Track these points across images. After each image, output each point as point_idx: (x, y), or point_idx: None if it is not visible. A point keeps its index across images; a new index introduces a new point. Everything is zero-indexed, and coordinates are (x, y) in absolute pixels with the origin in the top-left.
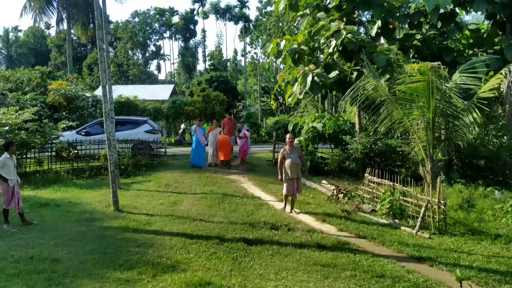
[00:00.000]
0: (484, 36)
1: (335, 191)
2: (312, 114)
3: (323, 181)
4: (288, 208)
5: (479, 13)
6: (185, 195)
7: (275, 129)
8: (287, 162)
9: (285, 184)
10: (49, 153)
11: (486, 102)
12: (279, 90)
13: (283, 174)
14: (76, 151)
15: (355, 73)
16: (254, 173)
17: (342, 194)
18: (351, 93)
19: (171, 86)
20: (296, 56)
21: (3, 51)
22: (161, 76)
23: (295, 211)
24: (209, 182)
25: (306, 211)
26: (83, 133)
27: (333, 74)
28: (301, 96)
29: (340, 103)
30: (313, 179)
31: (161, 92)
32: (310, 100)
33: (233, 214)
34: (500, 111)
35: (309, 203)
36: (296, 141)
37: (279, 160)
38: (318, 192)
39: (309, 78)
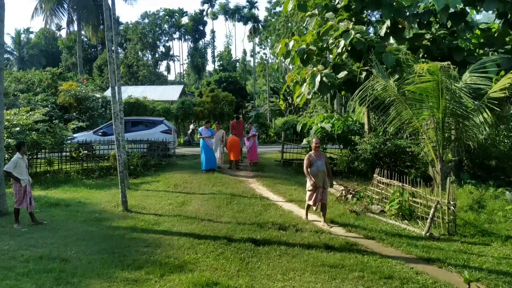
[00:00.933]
0: (495, 35)
1: (343, 192)
2: (321, 115)
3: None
4: (310, 217)
5: (489, 12)
6: (194, 196)
7: (284, 130)
8: (313, 170)
9: (308, 193)
10: (59, 154)
11: (497, 102)
12: (287, 90)
13: (309, 182)
14: (93, 151)
15: (364, 73)
16: (262, 174)
17: (351, 195)
18: (360, 93)
19: (180, 87)
20: (305, 56)
21: (15, 52)
22: (171, 77)
23: (328, 225)
24: (217, 182)
25: (315, 211)
26: (100, 133)
27: (342, 74)
28: (310, 97)
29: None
30: None
31: (170, 93)
32: (319, 100)
33: (241, 215)
34: (511, 111)
35: None
36: (304, 141)
37: (305, 165)
38: (327, 193)
39: (318, 79)
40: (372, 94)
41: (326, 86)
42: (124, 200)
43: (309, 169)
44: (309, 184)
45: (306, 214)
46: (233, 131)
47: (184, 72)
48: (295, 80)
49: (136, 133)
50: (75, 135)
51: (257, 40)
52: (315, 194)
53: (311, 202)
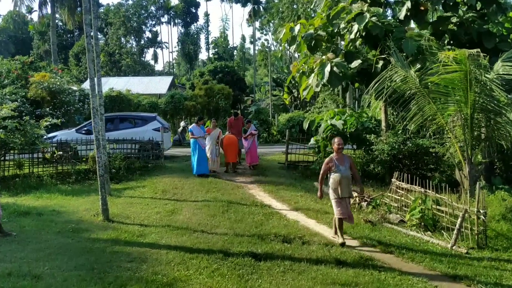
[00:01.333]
0: None
1: (357, 199)
2: (331, 110)
3: None
4: (341, 237)
5: None
6: (185, 203)
7: (289, 127)
8: (335, 176)
9: (334, 205)
10: (30, 155)
11: None
12: (293, 82)
13: (332, 192)
14: (74, 153)
15: (380, 62)
16: (263, 178)
17: (366, 202)
18: (376, 85)
19: (169, 78)
20: (313, 43)
21: None
22: (158, 67)
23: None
24: (212, 188)
25: (325, 221)
26: (83, 132)
27: (355, 63)
28: (318, 89)
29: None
30: None
31: (158, 85)
32: (328, 93)
33: (239, 225)
34: None
35: (327, 213)
36: (312, 140)
37: (321, 172)
38: None
39: (328, 68)
40: (390, 87)
41: (337, 77)
42: (105, 208)
43: (330, 175)
44: (332, 193)
45: (336, 233)
46: (231, 129)
47: (174, 61)
48: (301, 71)
49: (126, 131)
50: (55, 133)
51: (257, 24)
52: (343, 205)
53: (341, 216)
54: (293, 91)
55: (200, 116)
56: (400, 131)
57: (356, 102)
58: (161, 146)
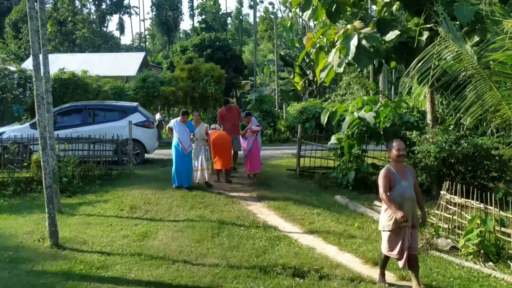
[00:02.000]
0: None
1: None
2: (359, 98)
3: (376, 202)
4: (389, 278)
5: None
6: (161, 224)
7: (301, 122)
8: (394, 195)
9: (385, 235)
10: None
11: None
12: (307, 60)
13: (386, 218)
14: (25, 155)
15: (425, 34)
16: (267, 190)
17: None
18: (420, 64)
19: (140, 56)
20: (334, 7)
21: None
22: (126, 40)
23: None
24: (198, 203)
25: (350, 248)
26: None
27: (391, 35)
28: (341, 70)
29: (402, 81)
30: (361, 199)
31: (124, 65)
32: (355, 76)
33: (234, 253)
34: None
35: (353, 237)
36: (333, 139)
37: (381, 188)
38: (368, 219)
39: (354, 42)
40: (438, 66)
41: (366, 53)
42: (54, 231)
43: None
44: (386, 219)
45: (381, 275)
46: (223, 124)
47: (147, 32)
48: (318, 45)
49: (98, 127)
50: (1, 129)
51: None
52: (399, 238)
53: (393, 254)
54: (308, 72)
55: (185, 110)
56: (452, 126)
57: (392, 87)
58: (128, 146)
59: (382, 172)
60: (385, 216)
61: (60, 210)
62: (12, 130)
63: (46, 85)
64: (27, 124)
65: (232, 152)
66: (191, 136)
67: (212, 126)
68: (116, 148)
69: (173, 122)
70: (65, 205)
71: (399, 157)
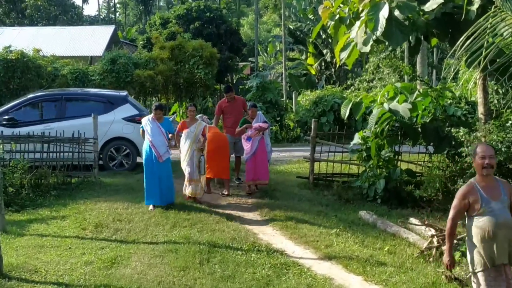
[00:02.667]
0: None
1: (435, 240)
2: (390, 85)
3: (412, 220)
4: None
5: None
6: (135, 247)
7: (316, 116)
8: (483, 223)
9: (482, 280)
10: None
11: None
12: (323, 36)
13: (475, 255)
14: None
15: (476, 3)
16: (272, 203)
17: None
18: (469, 42)
19: (108, 30)
20: None
21: None
22: (90, 10)
23: None
24: (182, 220)
25: (378, 279)
26: (3, 122)
27: (433, 4)
28: (368, 49)
29: (446, 63)
30: (392, 215)
31: (89, 42)
32: (385, 57)
33: (229, 285)
34: None
35: (382, 264)
36: (356, 138)
37: (452, 213)
38: (401, 242)
39: (384, 12)
40: (493, 45)
41: (400, 27)
42: None
43: (470, 221)
44: (476, 256)
45: None
46: (227, 120)
47: (117, 0)
48: (337, 16)
49: (79, 122)
50: None
51: None
52: (500, 280)
53: None
54: (324, 52)
55: (159, 104)
56: (511, 122)
57: (434, 71)
58: (93, 147)
59: (461, 190)
60: (471, 254)
61: (5, 228)
62: None
63: None
64: None
65: (234, 157)
66: (169, 138)
67: (198, 116)
68: (104, 146)
69: (144, 121)
70: (11, 223)
71: (484, 168)
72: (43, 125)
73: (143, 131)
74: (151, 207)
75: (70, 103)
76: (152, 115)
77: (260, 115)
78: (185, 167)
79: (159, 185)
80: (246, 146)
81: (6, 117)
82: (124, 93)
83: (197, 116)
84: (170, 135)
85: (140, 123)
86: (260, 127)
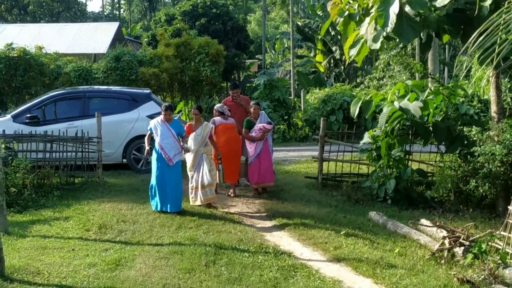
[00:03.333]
0: None
1: (446, 242)
2: (400, 83)
3: (423, 221)
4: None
5: None
6: (139, 248)
7: (325, 114)
8: None
9: None
10: None
11: None
12: (332, 33)
13: None
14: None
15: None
16: (279, 204)
17: (462, 248)
18: (482, 39)
19: (112, 27)
20: None
21: None
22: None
23: None
24: (188, 221)
25: (388, 282)
26: (26, 120)
27: (444, 0)
28: (378, 46)
29: (459, 60)
30: (403, 216)
31: (92, 39)
32: (396, 54)
33: None
34: None
35: (393, 266)
36: (366, 137)
37: None
38: (413, 244)
39: (395, 8)
40: (507, 41)
41: (411, 23)
42: None
43: None
44: None
45: None
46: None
47: None
48: (347, 12)
49: (103, 120)
50: None
51: None
52: None
53: None
54: (333, 49)
55: (169, 104)
56: None
57: (445, 69)
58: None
59: None
60: None
61: (7, 230)
62: None
63: None
64: (8, 116)
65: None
66: (180, 141)
67: (218, 106)
68: (129, 143)
69: (152, 124)
70: (14, 224)
71: None
72: (66, 123)
73: (150, 133)
74: (154, 210)
75: (93, 101)
76: (161, 116)
77: (263, 115)
78: (193, 173)
79: (166, 191)
80: (250, 148)
81: (29, 115)
82: (147, 90)
83: (218, 106)
84: (181, 137)
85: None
86: (264, 128)
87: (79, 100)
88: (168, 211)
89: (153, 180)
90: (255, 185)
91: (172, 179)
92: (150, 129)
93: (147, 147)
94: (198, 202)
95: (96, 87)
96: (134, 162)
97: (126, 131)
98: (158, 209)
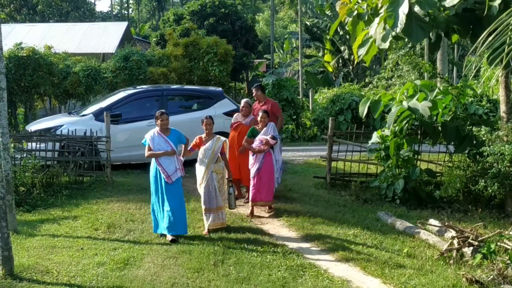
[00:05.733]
0: None
1: (455, 242)
2: (409, 83)
3: (432, 221)
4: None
5: None
6: (148, 248)
7: (333, 114)
8: None
9: None
10: None
11: None
12: (341, 33)
13: None
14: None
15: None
16: (288, 203)
17: (471, 248)
18: (491, 38)
19: (121, 26)
20: None
21: None
22: (102, 6)
23: None
24: (196, 221)
25: (397, 281)
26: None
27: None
28: (386, 46)
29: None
30: (411, 216)
31: (101, 39)
32: (404, 54)
33: (245, 287)
34: None
35: (401, 266)
36: (374, 137)
37: None
38: (421, 244)
39: (404, 8)
40: None
41: (420, 23)
42: (7, 256)
43: None
44: None
45: None
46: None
47: None
48: (356, 12)
49: (183, 117)
50: (55, 121)
51: None
52: None
53: None
54: (342, 49)
55: (163, 111)
56: None
57: (454, 69)
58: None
59: None
60: None
61: (16, 229)
62: (71, 123)
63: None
64: (90, 114)
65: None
66: (180, 151)
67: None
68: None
69: (148, 136)
70: (22, 223)
71: None
72: (147, 122)
73: (149, 148)
74: (157, 234)
75: (171, 99)
76: (157, 129)
77: (270, 126)
78: (202, 193)
79: (166, 212)
80: (251, 160)
81: (112, 112)
82: (219, 89)
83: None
84: (181, 147)
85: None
86: (266, 141)
87: (158, 98)
88: (172, 234)
89: (152, 201)
90: (251, 203)
91: (172, 199)
92: (145, 142)
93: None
94: (207, 227)
95: (172, 85)
96: None
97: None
98: (160, 231)
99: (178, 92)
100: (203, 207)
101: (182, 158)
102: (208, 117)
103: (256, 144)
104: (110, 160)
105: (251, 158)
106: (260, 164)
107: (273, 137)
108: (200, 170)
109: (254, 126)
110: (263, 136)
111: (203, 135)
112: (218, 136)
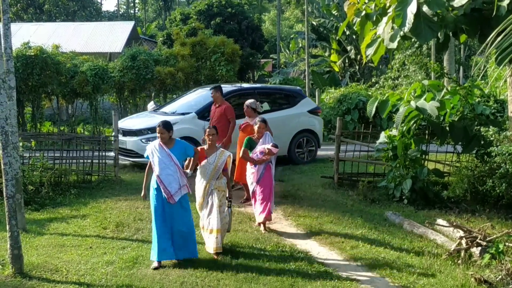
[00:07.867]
0: None
1: (463, 242)
2: (417, 83)
3: (440, 220)
4: None
5: None
6: None
7: (340, 114)
8: None
9: None
10: None
11: None
12: (348, 33)
13: None
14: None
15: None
16: (295, 203)
17: (479, 248)
18: (500, 39)
19: (128, 26)
20: None
21: None
22: (109, 6)
23: None
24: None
25: (405, 281)
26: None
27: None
28: (394, 46)
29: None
30: (419, 216)
31: (108, 38)
32: (412, 53)
33: (253, 286)
34: None
35: (409, 266)
36: (382, 137)
37: None
38: (429, 244)
39: (412, 8)
40: None
41: (428, 23)
42: (17, 255)
43: None
44: None
45: None
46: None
47: None
48: (363, 12)
49: (275, 115)
50: (178, 119)
51: None
52: None
53: None
54: (348, 48)
55: (165, 121)
56: None
57: (462, 69)
58: (115, 145)
59: None
60: None
61: (25, 227)
62: (173, 122)
63: (7, 64)
64: (193, 113)
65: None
66: (184, 169)
67: (250, 101)
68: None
69: (149, 150)
70: (31, 221)
71: None
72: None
73: (150, 163)
74: (155, 263)
75: (262, 98)
76: (158, 140)
77: (267, 136)
78: (201, 213)
79: (171, 236)
80: (251, 172)
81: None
82: (298, 87)
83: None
84: (185, 161)
85: (319, 115)
86: (269, 151)
87: (251, 97)
88: (180, 259)
89: (154, 223)
90: (264, 221)
91: (177, 220)
92: (147, 156)
93: (143, 191)
94: (211, 250)
95: (261, 85)
96: (297, 155)
97: (292, 126)
98: (158, 259)
99: (268, 90)
100: (203, 225)
101: (188, 172)
102: (211, 127)
103: (257, 156)
104: (118, 159)
105: (252, 170)
106: (260, 175)
107: (275, 146)
108: (200, 186)
109: (250, 136)
110: (264, 146)
111: (205, 147)
112: (222, 149)
